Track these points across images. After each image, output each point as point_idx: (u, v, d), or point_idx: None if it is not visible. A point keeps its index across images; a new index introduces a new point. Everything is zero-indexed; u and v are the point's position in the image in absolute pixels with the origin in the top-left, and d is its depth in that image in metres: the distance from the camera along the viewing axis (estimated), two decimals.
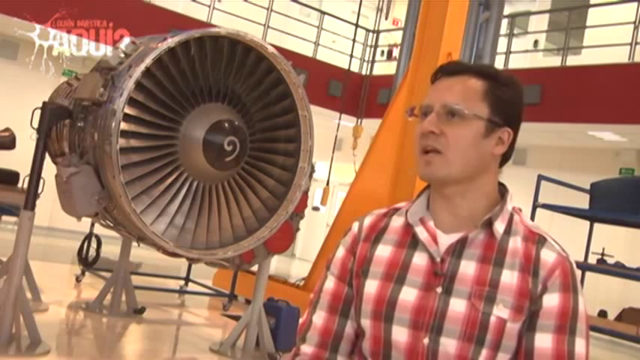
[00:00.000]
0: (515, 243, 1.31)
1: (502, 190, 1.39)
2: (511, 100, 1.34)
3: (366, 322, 1.33)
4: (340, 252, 1.44)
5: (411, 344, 1.27)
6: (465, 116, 1.30)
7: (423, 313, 1.27)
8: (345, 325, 1.39)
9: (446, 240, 1.32)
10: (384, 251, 1.37)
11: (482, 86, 1.32)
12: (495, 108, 1.32)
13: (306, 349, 1.40)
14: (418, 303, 1.28)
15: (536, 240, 1.32)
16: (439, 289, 1.28)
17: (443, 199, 1.35)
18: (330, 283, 1.42)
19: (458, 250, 1.31)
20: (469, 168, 1.31)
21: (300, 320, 1.45)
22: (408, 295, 1.29)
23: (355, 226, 1.45)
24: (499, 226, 1.31)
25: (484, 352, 1.25)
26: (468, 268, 1.29)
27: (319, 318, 1.40)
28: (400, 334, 1.28)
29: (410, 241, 1.35)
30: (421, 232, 1.34)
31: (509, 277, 1.27)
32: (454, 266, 1.29)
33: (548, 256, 1.29)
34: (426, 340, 1.26)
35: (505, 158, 1.38)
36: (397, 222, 1.40)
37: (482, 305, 1.25)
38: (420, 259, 1.32)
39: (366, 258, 1.38)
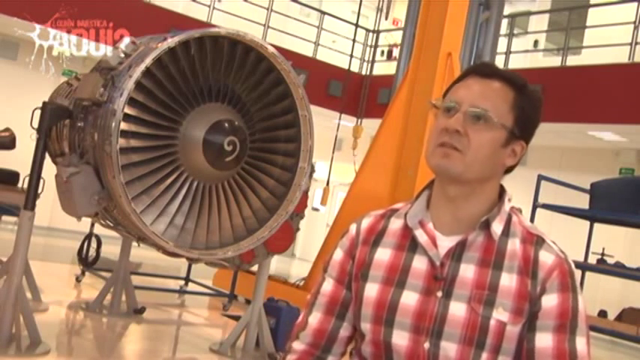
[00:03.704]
0: (514, 245, 1.31)
1: (500, 191, 1.39)
2: (533, 115, 1.36)
3: (366, 326, 1.32)
4: (338, 254, 1.43)
5: (411, 348, 1.27)
6: (491, 123, 1.30)
7: (424, 317, 1.27)
8: (340, 328, 1.39)
9: (445, 242, 1.32)
10: (383, 254, 1.36)
11: (511, 96, 1.33)
12: (518, 120, 1.33)
13: (298, 346, 1.41)
14: (419, 307, 1.28)
15: (535, 241, 1.32)
16: (439, 293, 1.28)
17: (446, 200, 1.35)
18: (327, 286, 1.42)
19: (457, 253, 1.31)
20: (482, 173, 1.32)
21: (297, 322, 1.45)
22: (409, 299, 1.29)
23: (353, 228, 1.44)
24: (497, 227, 1.31)
25: (484, 356, 1.25)
26: (467, 271, 1.29)
27: (314, 319, 1.40)
28: (401, 339, 1.28)
29: (409, 244, 1.35)
30: (420, 236, 1.34)
31: (508, 280, 1.27)
32: (454, 270, 1.29)
33: (546, 258, 1.29)
34: (426, 345, 1.26)
35: (508, 170, 1.38)
36: (395, 224, 1.40)
37: (482, 309, 1.25)
38: (419, 263, 1.32)
39: (365, 261, 1.37)
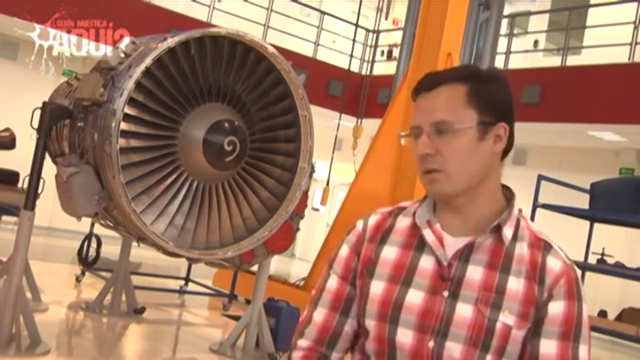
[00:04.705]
0: (522, 249, 1.31)
1: (507, 194, 1.38)
2: (497, 95, 1.32)
3: (370, 323, 1.33)
4: (344, 251, 1.43)
5: (415, 346, 1.27)
6: (454, 129, 1.28)
7: (429, 316, 1.27)
8: (345, 324, 1.39)
9: (453, 243, 1.32)
10: (390, 252, 1.36)
11: (464, 91, 1.30)
12: (483, 108, 1.30)
13: (303, 343, 1.41)
14: (424, 306, 1.28)
15: (542, 247, 1.32)
16: (446, 293, 1.28)
17: (451, 209, 1.35)
18: (332, 282, 1.42)
19: (465, 254, 1.30)
20: (474, 175, 1.31)
21: (301, 318, 1.46)
22: (415, 297, 1.29)
23: (360, 224, 1.44)
24: (507, 232, 1.31)
25: (488, 358, 1.25)
26: (474, 273, 1.29)
27: (319, 315, 1.41)
28: (405, 336, 1.28)
29: (416, 243, 1.35)
30: (428, 235, 1.34)
31: (516, 284, 1.27)
32: (461, 271, 1.29)
33: (554, 264, 1.30)
34: (431, 343, 1.26)
35: (505, 152, 1.36)
36: (403, 222, 1.40)
37: (489, 311, 1.25)
38: (426, 262, 1.32)
39: (372, 259, 1.37)
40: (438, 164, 1.29)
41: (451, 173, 1.28)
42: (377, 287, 1.33)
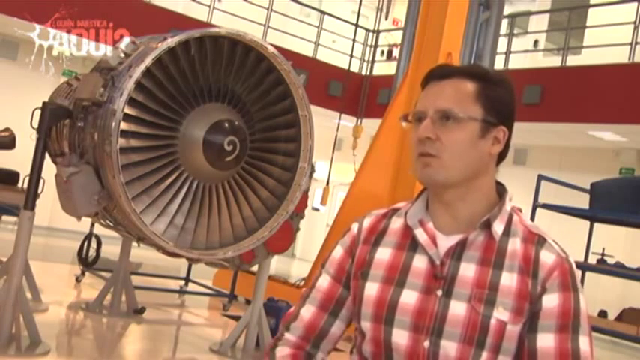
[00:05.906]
0: (515, 244, 1.31)
1: (500, 190, 1.38)
2: (503, 98, 1.35)
3: (366, 325, 1.33)
4: (338, 252, 1.44)
5: (411, 347, 1.27)
6: (459, 119, 1.30)
7: (424, 316, 1.27)
8: (332, 325, 1.40)
9: (445, 242, 1.32)
10: (384, 254, 1.37)
11: (473, 87, 1.32)
12: (489, 108, 1.32)
13: (289, 336, 1.41)
14: (419, 306, 1.28)
15: (536, 241, 1.32)
16: (439, 292, 1.28)
17: (442, 204, 1.35)
18: (324, 282, 1.43)
19: (457, 252, 1.31)
20: (467, 170, 1.31)
21: (289, 311, 1.46)
22: (409, 297, 1.30)
23: (354, 227, 1.45)
24: (497, 227, 1.31)
25: (484, 355, 1.25)
26: (467, 270, 1.29)
27: (307, 312, 1.41)
28: (401, 337, 1.28)
29: (409, 243, 1.35)
30: (420, 235, 1.34)
31: (509, 280, 1.27)
32: (454, 269, 1.29)
33: (546, 257, 1.29)
34: (426, 343, 1.26)
35: (501, 157, 1.38)
36: (396, 223, 1.40)
37: (483, 308, 1.25)
38: (420, 262, 1.32)
39: (366, 260, 1.38)
40: (435, 150, 1.30)
41: (446, 161, 1.29)
42: (371, 289, 1.34)
